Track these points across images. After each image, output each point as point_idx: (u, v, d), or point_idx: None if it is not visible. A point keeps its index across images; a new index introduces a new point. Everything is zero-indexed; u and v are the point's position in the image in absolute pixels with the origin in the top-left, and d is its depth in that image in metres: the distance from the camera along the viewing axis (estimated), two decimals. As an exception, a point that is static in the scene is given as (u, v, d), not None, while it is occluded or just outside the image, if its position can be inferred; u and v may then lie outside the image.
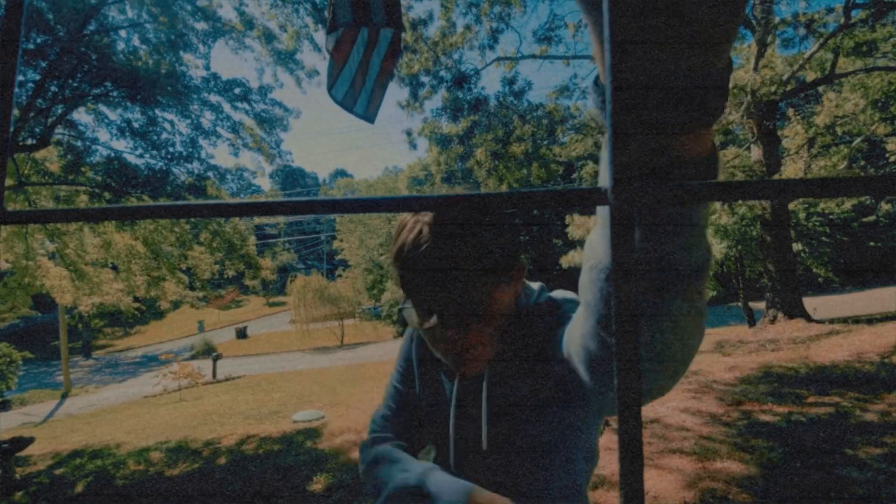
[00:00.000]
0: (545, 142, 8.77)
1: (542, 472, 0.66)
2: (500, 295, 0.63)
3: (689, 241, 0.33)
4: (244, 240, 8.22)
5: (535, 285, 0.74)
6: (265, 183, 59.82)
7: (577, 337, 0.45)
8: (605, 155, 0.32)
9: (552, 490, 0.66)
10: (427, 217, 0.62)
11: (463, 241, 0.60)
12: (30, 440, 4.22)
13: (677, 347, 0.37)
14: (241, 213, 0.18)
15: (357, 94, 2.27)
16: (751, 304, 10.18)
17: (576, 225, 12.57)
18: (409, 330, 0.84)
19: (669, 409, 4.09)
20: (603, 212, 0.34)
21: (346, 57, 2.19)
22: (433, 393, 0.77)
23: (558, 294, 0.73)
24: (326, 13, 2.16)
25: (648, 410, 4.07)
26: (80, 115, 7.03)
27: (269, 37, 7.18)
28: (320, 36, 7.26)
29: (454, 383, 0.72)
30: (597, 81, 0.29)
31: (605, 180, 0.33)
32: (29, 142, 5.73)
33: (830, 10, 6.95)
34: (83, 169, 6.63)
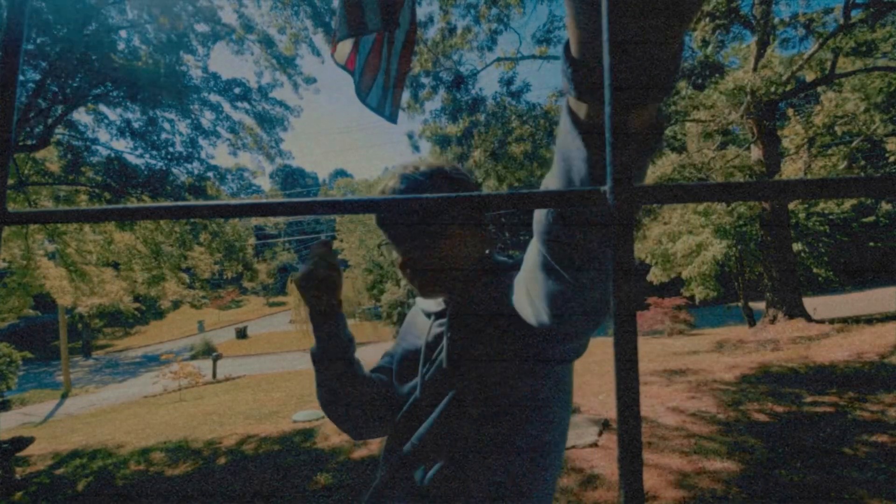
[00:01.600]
0: (545, 142, 8.77)
1: (496, 421, 0.69)
2: (451, 238, 0.75)
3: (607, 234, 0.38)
4: (244, 242, 8.22)
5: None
6: (265, 183, 59.87)
7: (529, 274, 0.49)
8: (564, 140, 0.34)
9: (506, 442, 0.68)
10: (404, 170, 0.78)
11: (426, 190, 0.75)
12: (30, 440, 4.21)
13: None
14: (241, 213, 0.18)
15: (385, 97, 2.29)
16: (751, 304, 10.19)
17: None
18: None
19: (668, 408, 4.09)
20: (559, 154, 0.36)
21: (378, 63, 2.20)
22: (414, 338, 0.84)
23: (513, 258, 0.84)
24: (346, 17, 2.15)
25: (647, 410, 4.07)
26: (80, 115, 7.03)
27: (268, 41, 7.18)
28: (319, 39, 7.26)
29: (427, 333, 0.80)
30: (566, 50, 0.30)
31: (567, 170, 0.35)
32: (29, 142, 5.73)
33: (829, 11, 6.95)
34: (83, 169, 6.63)
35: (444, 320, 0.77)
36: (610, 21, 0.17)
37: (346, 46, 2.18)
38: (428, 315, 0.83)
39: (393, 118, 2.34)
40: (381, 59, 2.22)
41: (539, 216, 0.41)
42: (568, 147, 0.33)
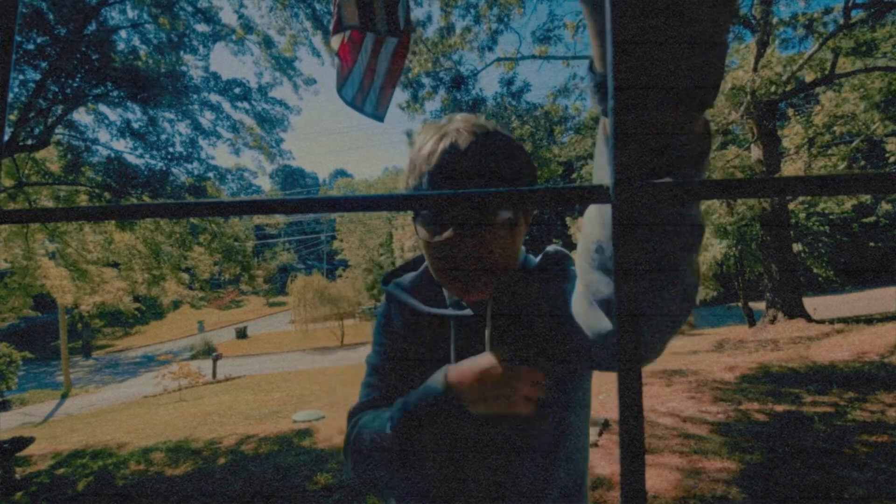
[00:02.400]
0: (544, 142, 8.77)
1: (545, 426, 0.66)
2: (521, 219, 0.63)
3: (689, 241, 0.35)
4: (243, 243, 8.22)
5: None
6: (265, 183, 59.82)
7: (588, 284, 0.44)
8: (599, 151, 0.33)
9: (549, 444, 0.66)
10: (464, 125, 0.62)
11: (502, 154, 0.61)
12: (30, 440, 4.21)
13: (668, 332, 0.42)
14: (241, 212, 0.18)
15: (366, 94, 2.30)
16: (751, 304, 10.19)
17: (577, 227, 12.57)
18: (382, 307, 0.80)
19: (668, 408, 4.09)
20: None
21: (355, 58, 2.21)
22: (429, 349, 0.72)
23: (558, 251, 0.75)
24: (332, 11, 2.18)
25: (647, 410, 4.07)
26: (80, 115, 7.03)
27: (268, 42, 7.18)
28: (318, 41, 7.27)
29: (451, 331, 0.69)
30: (591, 68, 0.29)
31: (601, 178, 0.34)
32: (29, 142, 5.73)
33: (829, 11, 6.95)
34: (83, 169, 6.63)
35: (467, 320, 0.68)
36: (612, 21, 0.17)
37: (334, 43, 2.20)
38: (440, 316, 0.71)
39: (378, 116, 2.36)
40: (357, 56, 2.23)
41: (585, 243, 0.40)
42: (601, 161, 0.34)
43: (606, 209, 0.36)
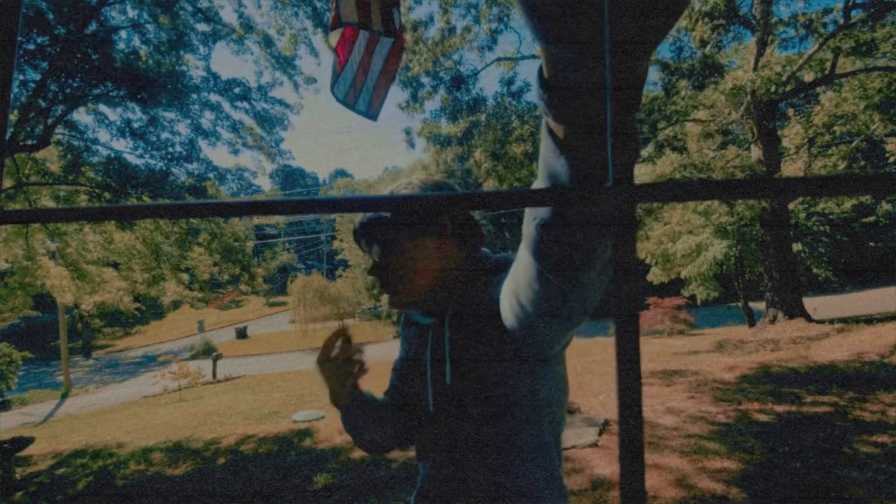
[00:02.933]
0: (545, 142, 8.76)
1: (504, 425, 0.70)
2: (418, 245, 0.76)
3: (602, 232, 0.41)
4: (242, 244, 8.23)
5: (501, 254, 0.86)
6: (265, 183, 59.82)
7: (520, 282, 0.50)
8: (548, 152, 0.36)
9: (507, 443, 0.70)
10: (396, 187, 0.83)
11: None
12: (30, 440, 4.21)
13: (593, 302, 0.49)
14: (240, 212, 0.18)
15: (358, 92, 2.30)
16: (751, 304, 10.19)
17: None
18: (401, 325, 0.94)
19: (668, 408, 4.09)
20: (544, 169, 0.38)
21: (348, 56, 2.21)
22: (415, 353, 0.83)
23: (510, 255, 0.82)
24: (330, 8, 2.18)
25: (647, 410, 4.07)
26: (80, 115, 7.03)
27: (268, 42, 7.18)
28: (318, 40, 7.27)
29: (430, 337, 0.79)
30: (539, 74, 0.31)
31: (547, 178, 0.38)
32: (29, 142, 5.73)
33: (829, 11, 6.95)
34: (83, 169, 6.63)
35: (437, 328, 0.78)
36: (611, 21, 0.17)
37: (332, 39, 2.21)
38: (421, 324, 0.83)
39: (371, 115, 2.36)
40: (350, 54, 2.23)
41: (529, 228, 0.43)
42: (553, 165, 0.36)
43: (537, 210, 0.41)
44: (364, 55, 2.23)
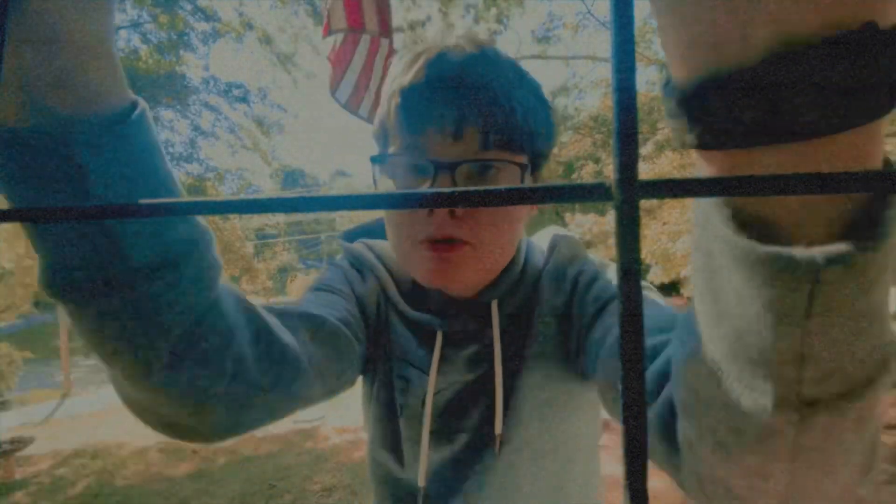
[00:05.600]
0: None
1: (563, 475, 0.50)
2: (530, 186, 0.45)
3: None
4: (243, 243, 8.25)
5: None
6: (265, 183, 59.82)
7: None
8: (701, 244, 0.20)
9: (560, 489, 0.51)
10: (461, 39, 0.43)
11: (515, 80, 0.42)
12: (30, 440, 4.21)
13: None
14: (241, 211, 0.18)
15: (361, 98, 2.28)
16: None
17: (575, 224, 12.60)
18: (341, 266, 0.54)
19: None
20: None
21: (350, 60, 2.20)
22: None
23: (560, 241, 0.52)
24: (322, 16, 2.19)
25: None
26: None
27: (268, 40, 7.19)
28: (319, 38, 7.28)
29: (437, 341, 0.47)
30: (667, 83, 0.19)
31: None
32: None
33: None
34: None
35: (469, 336, 0.48)
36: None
37: (332, 40, 2.21)
38: (423, 323, 0.49)
39: (373, 120, 2.35)
40: (351, 58, 2.23)
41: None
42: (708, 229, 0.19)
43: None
44: (367, 60, 2.22)
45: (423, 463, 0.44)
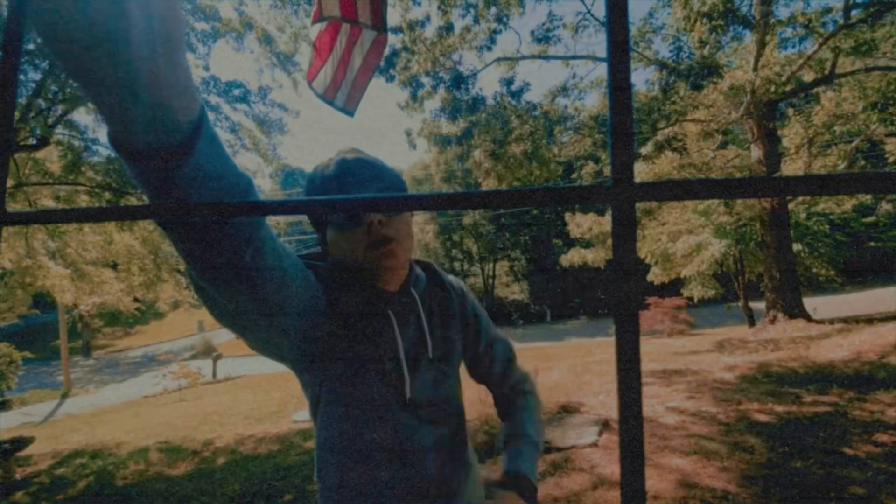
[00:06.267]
0: (544, 141, 8.76)
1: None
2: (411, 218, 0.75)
3: None
4: None
5: None
6: (265, 183, 59.78)
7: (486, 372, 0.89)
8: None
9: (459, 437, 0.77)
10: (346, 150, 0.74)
11: (379, 164, 0.72)
12: (30, 440, 4.22)
13: None
14: (240, 212, 0.18)
15: (337, 87, 2.24)
16: (751, 304, 10.19)
17: (575, 223, 12.59)
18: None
19: (668, 408, 4.09)
20: None
21: (329, 49, 2.17)
22: (367, 332, 0.68)
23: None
24: (313, 2, 2.15)
25: (647, 410, 4.07)
26: (80, 115, 7.03)
27: (268, 39, 7.19)
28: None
29: (393, 320, 0.70)
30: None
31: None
32: (29, 142, 5.73)
33: (828, 11, 6.95)
34: (83, 169, 6.63)
35: (408, 310, 0.72)
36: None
37: (312, 33, 2.18)
38: (377, 305, 0.69)
39: (348, 112, 2.30)
40: (331, 48, 2.19)
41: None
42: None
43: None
44: (345, 49, 2.17)
45: (407, 382, 0.70)
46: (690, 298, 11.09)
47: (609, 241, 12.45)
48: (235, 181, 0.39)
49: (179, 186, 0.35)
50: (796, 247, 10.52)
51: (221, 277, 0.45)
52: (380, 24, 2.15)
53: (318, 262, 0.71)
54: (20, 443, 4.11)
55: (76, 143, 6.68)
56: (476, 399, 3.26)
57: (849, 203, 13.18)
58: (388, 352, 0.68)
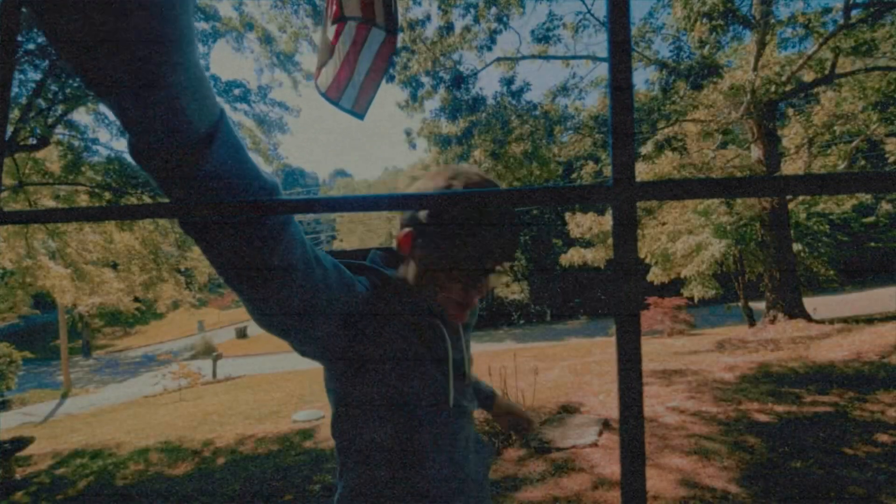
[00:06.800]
0: (544, 141, 8.76)
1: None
2: None
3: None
4: None
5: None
6: (265, 183, 59.70)
7: None
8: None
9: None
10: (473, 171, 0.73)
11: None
12: (30, 440, 4.22)
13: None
14: (241, 212, 0.18)
15: (341, 87, 2.20)
16: (751, 304, 10.19)
17: (575, 223, 12.58)
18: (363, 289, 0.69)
19: (668, 408, 4.09)
20: None
21: (332, 50, 2.14)
22: (426, 344, 0.72)
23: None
24: (325, 6, 2.12)
25: (647, 410, 4.07)
26: (80, 115, 7.03)
27: (268, 39, 7.19)
28: (318, 37, 7.27)
29: (446, 334, 0.76)
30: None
31: None
32: (29, 142, 5.73)
33: (828, 11, 6.95)
34: (83, 169, 6.63)
35: (455, 327, 0.79)
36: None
37: (320, 35, 2.15)
38: (435, 322, 0.73)
39: (357, 114, 2.27)
40: (334, 48, 2.15)
41: None
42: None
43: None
44: (350, 49, 2.14)
45: (451, 390, 0.75)
46: (690, 298, 11.09)
47: (609, 241, 12.45)
48: (258, 192, 0.40)
49: (197, 191, 0.35)
50: (796, 247, 10.53)
51: (253, 277, 0.46)
52: (392, 26, 2.11)
53: (382, 268, 0.75)
54: (20, 443, 4.11)
55: (76, 143, 6.68)
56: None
57: (849, 203, 13.19)
58: (440, 361, 0.74)
